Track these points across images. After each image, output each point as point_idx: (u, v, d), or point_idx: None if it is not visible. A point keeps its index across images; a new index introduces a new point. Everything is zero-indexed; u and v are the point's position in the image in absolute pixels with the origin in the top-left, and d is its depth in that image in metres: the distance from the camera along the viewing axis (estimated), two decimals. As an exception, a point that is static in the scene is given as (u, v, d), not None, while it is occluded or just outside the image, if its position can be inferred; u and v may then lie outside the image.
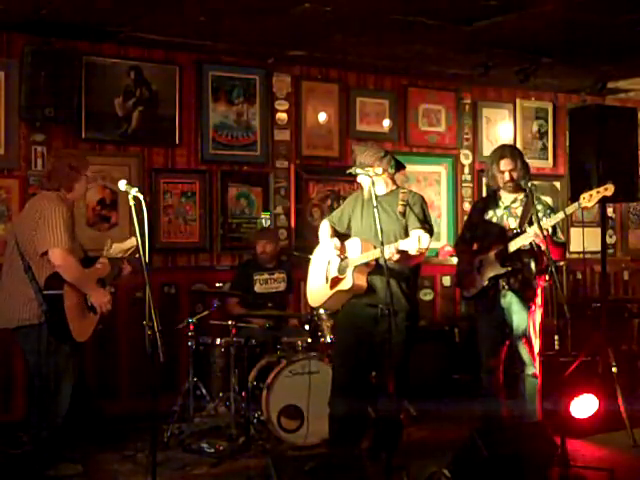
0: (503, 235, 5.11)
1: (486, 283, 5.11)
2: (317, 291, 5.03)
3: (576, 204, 4.85)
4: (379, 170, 4.66)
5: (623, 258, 8.56)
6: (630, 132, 6.14)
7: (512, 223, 5.13)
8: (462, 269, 5.33)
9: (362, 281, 4.69)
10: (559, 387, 4.80)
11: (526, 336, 5.07)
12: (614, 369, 5.58)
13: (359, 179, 4.81)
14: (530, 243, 4.99)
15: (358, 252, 4.69)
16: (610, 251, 8.19)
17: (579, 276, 8.02)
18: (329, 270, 4.93)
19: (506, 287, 5.08)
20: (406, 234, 4.64)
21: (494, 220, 5.21)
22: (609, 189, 4.76)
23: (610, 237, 8.38)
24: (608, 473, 4.65)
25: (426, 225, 4.73)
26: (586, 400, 5.54)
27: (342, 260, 4.80)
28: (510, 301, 5.12)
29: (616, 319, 6.76)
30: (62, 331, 4.50)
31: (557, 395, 4.78)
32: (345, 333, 4.90)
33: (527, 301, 5.08)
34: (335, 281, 4.85)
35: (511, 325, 5.14)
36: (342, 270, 4.79)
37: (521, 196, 5.17)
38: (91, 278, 4.70)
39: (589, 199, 4.79)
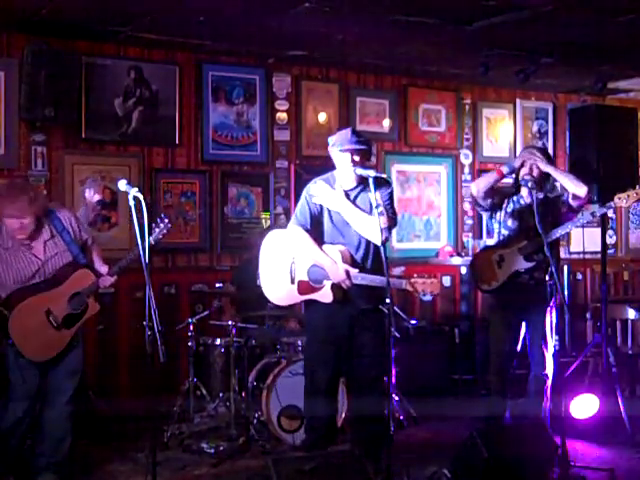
0: (526, 231, 5.07)
1: (507, 278, 5.09)
2: (280, 290, 4.75)
3: (611, 203, 4.86)
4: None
5: (623, 258, 8.56)
6: (630, 132, 6.14)
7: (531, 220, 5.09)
8: (479, 263, 5.32)
9: (340, 295, 4.52)
10: (559, 387, 4.79)
11: (544, 335, 5.05)
12: (614, 369, 5.59)
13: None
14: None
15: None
16: (610, 251, 8.19)
17: (579, 276, 8.02)
18: (294, 270, 4.68)
19: (530, 282, 5.05)
20: None
21: (515, 215, 5.19)
22: None
23: (610, 237, 8.38)
24: (608, 473, 4.66)
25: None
26: (586, 400, 5.54)
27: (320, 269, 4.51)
28: (528, 298, 5.08)
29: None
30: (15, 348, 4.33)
31: (557, 395, 4.77)
32: (322, 339, 4.63)
33: (545, 300, 5.03)
34: (305, 287, 4.62)
35: (527, 324, 5.12)
36: (316, 279, 4.56)
37: (540, 195, 5.10)
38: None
39: (626, 200, 4.79)
